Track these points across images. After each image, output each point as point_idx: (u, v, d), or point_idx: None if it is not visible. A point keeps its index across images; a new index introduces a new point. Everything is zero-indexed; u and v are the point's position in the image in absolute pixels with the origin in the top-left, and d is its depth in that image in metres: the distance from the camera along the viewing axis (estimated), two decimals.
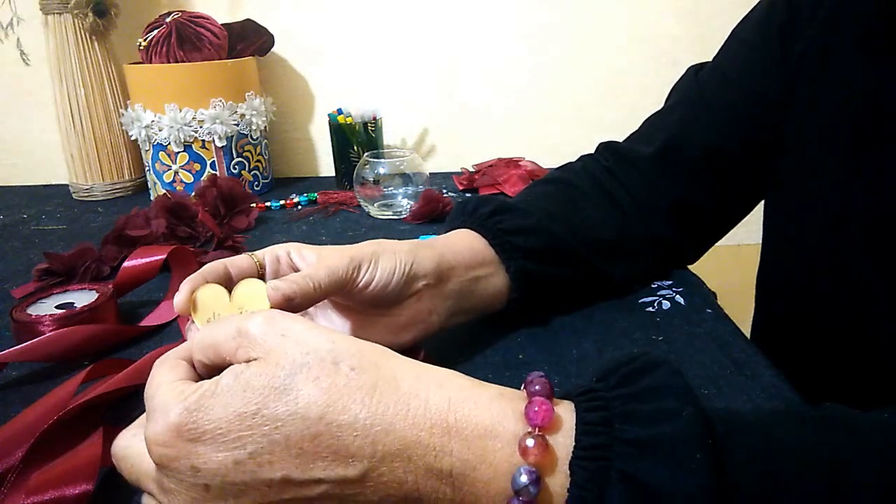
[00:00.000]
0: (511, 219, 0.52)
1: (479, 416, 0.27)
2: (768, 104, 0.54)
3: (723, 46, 0.59)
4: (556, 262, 0.52)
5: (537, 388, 0.27)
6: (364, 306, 0.44)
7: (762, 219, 0.62)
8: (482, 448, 0.26)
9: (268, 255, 0.41)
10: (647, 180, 0.58)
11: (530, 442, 0.25)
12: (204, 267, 0.38)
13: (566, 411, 0.28)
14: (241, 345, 0.29)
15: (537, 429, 0.26)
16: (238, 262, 0.40)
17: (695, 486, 0.24)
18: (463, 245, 0.50)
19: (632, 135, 0.63)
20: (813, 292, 0.51)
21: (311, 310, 0.45)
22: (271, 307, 0.36)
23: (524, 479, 0.25)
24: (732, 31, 0.59)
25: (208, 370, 0.31)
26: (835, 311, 0.49)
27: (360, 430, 0.26)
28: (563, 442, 0.26)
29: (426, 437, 0.26)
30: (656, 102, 0.64)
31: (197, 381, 0.29)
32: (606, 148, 0.62)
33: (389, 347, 0.34)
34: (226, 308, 0.37)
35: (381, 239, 0.45)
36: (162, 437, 0.26)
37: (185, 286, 0.36)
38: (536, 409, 0.26)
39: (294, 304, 0.36)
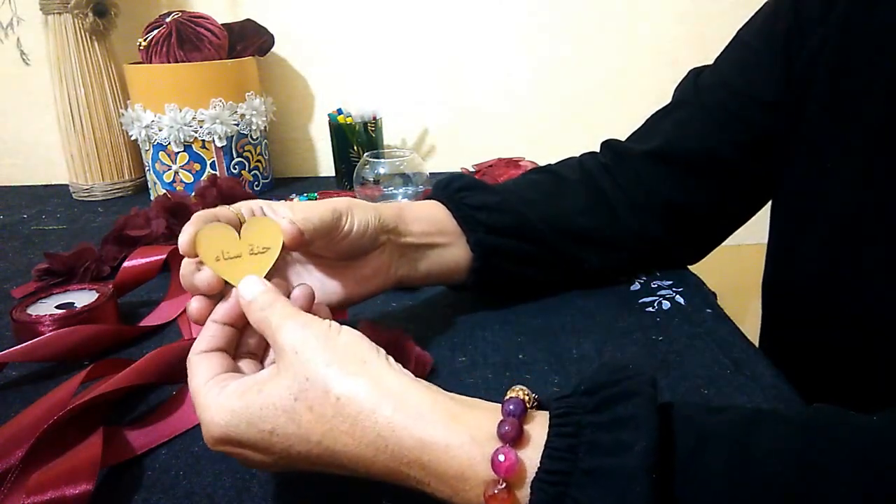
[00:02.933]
0: (478, 195, 0.55)
1: (450, 462, 0.29)
2: (766, 108, 0.54)
3: (725, 49, 0.59)
4: (518, 240, 0.55)
5: (507, 428, 0.28)
6: (338, 256, 0.47)
7: (763, 219, 0.62)
8: (455, 486, 0.29)
9: (243, 207, 0.42)
10: (640, 179, 0.58)
11: (495, 491, 0.27)
12: (196, 214, 0.39)
13: (541, 426, 0.29)
14: (277, 352, 0.33)
15: (502, 479, 0.28)
16: (221, 212, 0.40)
17: None
18: (424, 212, 0.53)
19: (632, 134, 0.63)
20: (825, 295, 0.51)
21: (291, 264, 0.47)
22: (285, 242, 0.38)
23: None
24: (736, 34, 0.59)
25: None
26: (846, 315, 0.49)
27: (350, 457, 0.30)
28: (532, 456, 0.28)
29: (405, 468, 0.29)
30: (656, 102, 0.64)
31: (229, 363, 0.35)
32: (607, 146, 0.63)
33: (355, 298, 0.48)
34: (235, 245, 0.37)
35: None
36: (212, 443, 0.33)
37: (189, 227, 0.37)
38: (502, 458, 0.28)
39: (304, 241, 0.40)
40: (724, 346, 0.50)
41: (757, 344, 0.58)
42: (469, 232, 0.53)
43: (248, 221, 0.38)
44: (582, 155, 0.64)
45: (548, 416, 0.30)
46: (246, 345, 0.38)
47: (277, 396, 0.31)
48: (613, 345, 0.51)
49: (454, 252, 0.53)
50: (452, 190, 0.55)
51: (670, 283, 0.61)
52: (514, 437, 0.28)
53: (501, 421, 0.29)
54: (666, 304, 0.57)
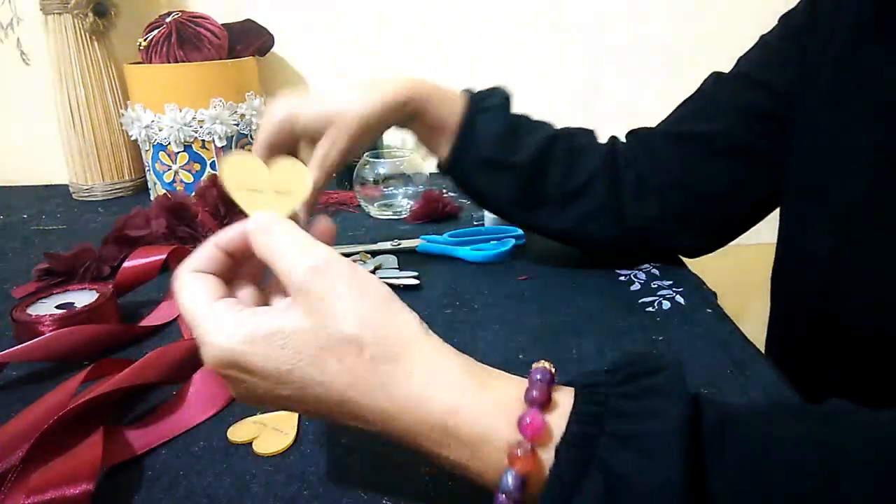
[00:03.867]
0: (493, 125, 0.58)
1: (475, 424, 0.29)
2: (781, 97, 0.55)
3: (747, 51, 0.61)
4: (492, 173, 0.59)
5: (534, 394, 0.29)
6: None
7: (763, 219, 0.62)
8: (476, 450, 0.29)
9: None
10: (656, 159, 0.60)
11: (519, 452, 0.27)
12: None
13: (566, 396, 0.29)
14: (295, 286, 0.31)
15: (528, 441, 0.28)
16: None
17: (664, 479, 0.25)
18: (446, 111, 0.58)
19: (659, 123, 0.64)
20: (834, 290, 0.51)
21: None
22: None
23: (510, 483, 0.27)
24: (760, 37, 0.61)
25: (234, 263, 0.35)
26: (855, 309, 0.49)
27: (374, 411, 0.30)
28: (558, 423, 0.28)
29: (427, 431, 0.29)
30: (656, 102, 0.64)
31: (227, 291, 0.34)
32: (631, 132, 0.65)
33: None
34: (261, 180, 0.36)
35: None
36: (215, 364, 0.31)
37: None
38: (529, 421, 0.28)
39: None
40: (724, 346, 0.50)
41: (763, 340, 0.58)
42: (456, 151, 0.58)
43: (278, 162, 0.37)
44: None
45: (573, 389, 0.30)
46: (241, 275, 0.36)
47: (301, 341, 0.30)
48: (613, 345, 0.51)
49: (441, 146, 0.59)
50: (480, 107, 0.58)
51: (670, 283, 0.61)
52: (541, 402, 0.28)
53: (528, 387, 0.29)
54: (666, 304, 0.57)
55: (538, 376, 0.29)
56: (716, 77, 0.62)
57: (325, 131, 0.52)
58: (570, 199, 0.60)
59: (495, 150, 0.58)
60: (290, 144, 0.53)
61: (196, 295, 0.32)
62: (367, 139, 0.55)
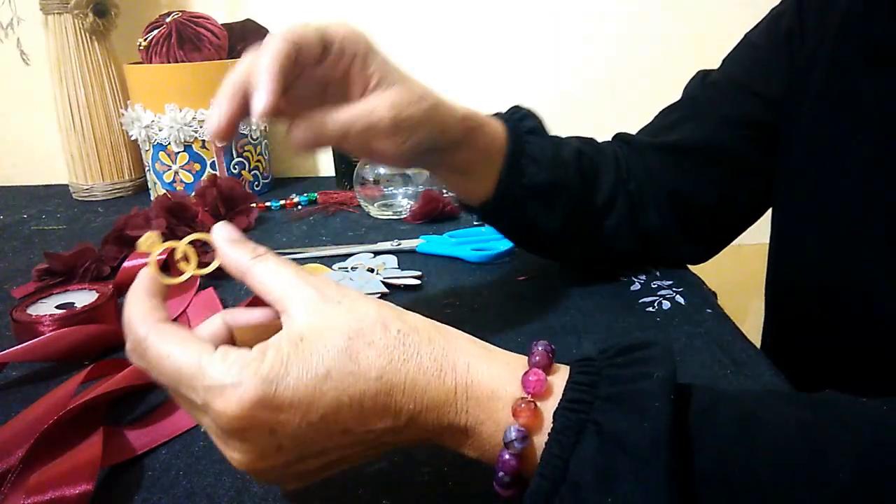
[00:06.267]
0: (536, 146, 0.53)
1: (488, 381, 0.31)
2: (770, 103, 0.54)
3: (732, 49, 0.60)
4: (539, 200, 0.53)
5: (537, 359, 0.31)
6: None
7: (763, 219, 0.62)
8: (488, 408, 0.30)
9: None
10: (648, 169, 0.59)
11: (522, 405, 0.30)
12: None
13: (562, 375, 0.31)
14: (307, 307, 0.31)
15: (530, 395, 0.30)
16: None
17: (650, 430, 0.26)
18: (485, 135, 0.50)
19: (642, 128, 0.64)
20: (827, 294, 0.51)
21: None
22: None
23: (513, 435, 0.29)
24: (744, 36, 0.60)
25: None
26: (849, 314, 0.49)
27: (407, 388, 0.30)
28: (558, 384, 0.30)
29: (452, 397, 0.30)
30: (656, 102, 0.64)
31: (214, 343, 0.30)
32: (618, 137, 0.63)
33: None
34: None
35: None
36: (239, 412, 0.27)
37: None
38: (532, 378, 0.30)
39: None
40: (724, 346, 0.50)
41: (759, 344, 0.58)
42: (506, 180, 0.51)
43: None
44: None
45: (569, 367, 0.32)
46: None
47: (328, 340, 0.29)
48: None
49: (476, 178, 0.51)
50: (522, 128, 0.53)
51: (670, 283, 0.61)
52: (543, 364, 0.31)
53: (531, 353, 0.32)
54: (666, 304, 0.57)
55: (540, 347, 0.32)
56: (702, 78, 0.61)
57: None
58: (601, 216, 0.57)
59: (551, 173, 0.53)
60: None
61: (186, 349, 0.29)
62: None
